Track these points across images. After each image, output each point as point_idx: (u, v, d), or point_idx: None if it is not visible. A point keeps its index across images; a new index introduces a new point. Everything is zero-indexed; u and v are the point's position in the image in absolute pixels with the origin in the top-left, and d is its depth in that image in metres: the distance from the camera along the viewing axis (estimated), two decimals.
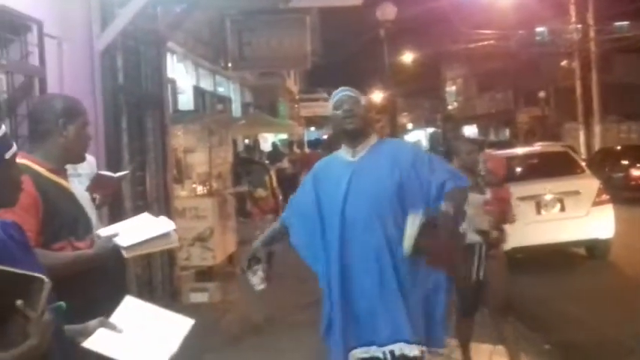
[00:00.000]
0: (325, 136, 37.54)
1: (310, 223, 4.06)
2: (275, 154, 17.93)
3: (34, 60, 5.54)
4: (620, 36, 27.38)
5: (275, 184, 11.27)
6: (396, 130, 34.32)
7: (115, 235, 3.12)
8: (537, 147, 14.10)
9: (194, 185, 10.24)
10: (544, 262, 10.57)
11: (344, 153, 4.11)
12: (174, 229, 3.21)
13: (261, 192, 11.16)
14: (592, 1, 26.02)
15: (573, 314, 8.11)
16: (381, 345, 3.84)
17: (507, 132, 40.07)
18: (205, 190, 10.28)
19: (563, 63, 31.14)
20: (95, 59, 6.50)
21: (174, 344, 2.51)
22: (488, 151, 16.28)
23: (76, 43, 6.25)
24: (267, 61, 16.67)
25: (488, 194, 5.72)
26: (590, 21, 26.26)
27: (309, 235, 4.08)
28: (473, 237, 5.44)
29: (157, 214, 7.21)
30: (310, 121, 33.96)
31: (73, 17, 6.27)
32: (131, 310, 2.61)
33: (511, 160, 11.69)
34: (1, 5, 5.03)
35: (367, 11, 23.14)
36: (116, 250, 3.10)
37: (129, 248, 3.10)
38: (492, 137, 39.55)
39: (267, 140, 23.71)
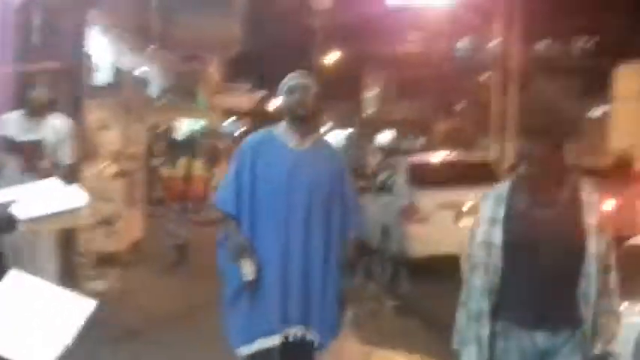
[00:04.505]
0: (243, 129, 37.01)
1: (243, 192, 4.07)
2: (191, 143, 17.29)
3: None
4: (540, 55, 27.94)
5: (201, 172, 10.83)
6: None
7: (11, 202, 2.61)
8: (460, 155, 13.90)
9: (104, 164, 9.66)
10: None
11: (286, 137, 4.10)
12: (86, 205, 2.73)
13: (165, 170, 10.72)
14: (516, 18, 26.43)
15: None
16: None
17: (422, 140, 40.50)
18: (115, 171, 9.72)
19: (483, 77, 31.63)
20: (8, 12, 5.94)
21: (68, 333, 2.07)
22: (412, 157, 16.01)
23: None
24: (193, 43, 16.13)
25: None
26: (513, 38, 26.68)
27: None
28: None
29: None
30: (229, 112, 33.33)
31: None
32: (17, 287, 2.16)
33: (434, 166, 11.61)
34: None
35: (297, 4, 22.84)
36: (10, 220, 2.58)
37: (27, 221, 2.58)
38: (407, 145, 39.86)
39: (181, 128, 23.02)
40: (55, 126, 5.61)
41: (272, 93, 51.67)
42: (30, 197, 2.66)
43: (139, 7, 14.72)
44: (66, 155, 5.59)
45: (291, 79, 4.13)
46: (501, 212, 3.02)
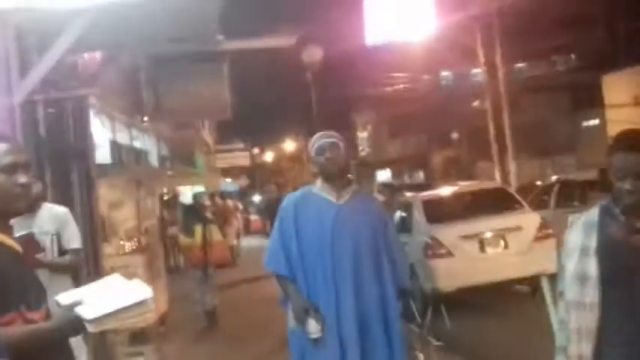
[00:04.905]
0: (239, 187, 37.06)
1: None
2: (198, 207, 17.23)
3: None
4: (528, 76, 28.21)
5: (219, 237, 10.71)
6: (310, 180, 34.18)
7: (77, 304, 2.54)
8: (473, 185, 13.73)
9: (122, 242, 9.60)
10: (494, 301, 10.18)
11: (324, 193, 4.17)
12: (151, 297, 2.63)
13: (183, 238, 10.66)
14: (498, 42, 26.63)
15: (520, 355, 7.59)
16: None
17: (422, 174, 40.49)
18: (134, 246, 9.65)
19: (475, 104, 31.80)
20: (15, 109, 5.92)
21: None
22: (408, 194, 15.98)
23: None
24: (185, 112, 16.13)
25: None
26: (498, 62, 26.84)
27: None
28: None
29: (85, 275, 6.70)
30: (226, 172, 33.41)
31: None
32: None
33: (448, 199, 11.51)
34: None
35: (278, 58, 23.00)
36: (78, 323, 2.51)
37: (95, 321, 2.48)
38: (407, 180, 39.84)
39: (185, 194, 23.02)
40: (52, 215, 5.33)
41: (264, 148, 51.89)
42: (92, 296, 2.59)
43: (129, 82, 14.80)
44: (72, 240, 5.39)
45: (319, 139, 4.20)
46: (593, 241, 2.66)
